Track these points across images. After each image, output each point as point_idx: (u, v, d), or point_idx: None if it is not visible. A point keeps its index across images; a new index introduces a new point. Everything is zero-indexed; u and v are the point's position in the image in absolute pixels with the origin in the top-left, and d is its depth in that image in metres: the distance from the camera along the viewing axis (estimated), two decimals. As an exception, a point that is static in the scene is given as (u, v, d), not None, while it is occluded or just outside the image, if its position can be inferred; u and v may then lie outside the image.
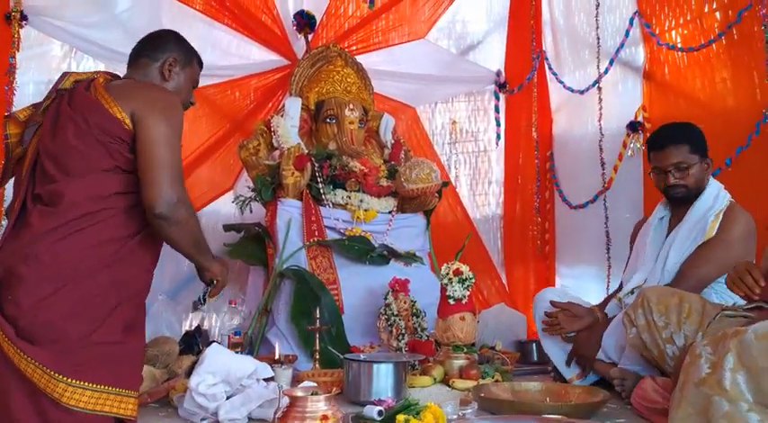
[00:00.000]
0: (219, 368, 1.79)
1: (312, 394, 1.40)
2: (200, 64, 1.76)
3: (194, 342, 2.58)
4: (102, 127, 1.48)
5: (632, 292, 2.17)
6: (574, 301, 2.34)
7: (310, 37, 3.57)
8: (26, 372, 1.35)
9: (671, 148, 2.18)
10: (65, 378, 1.35)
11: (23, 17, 3.03)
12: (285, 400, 1.49)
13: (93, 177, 1.47)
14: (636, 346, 1.94)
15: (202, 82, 3.43)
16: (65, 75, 1.62)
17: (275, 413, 1.56)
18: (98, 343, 1.42)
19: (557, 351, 2.31)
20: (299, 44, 3.58)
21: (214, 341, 2.59)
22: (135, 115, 1.49)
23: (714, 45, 2.76)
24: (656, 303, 1.87)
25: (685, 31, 2.96)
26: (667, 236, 2.24)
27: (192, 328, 2.92)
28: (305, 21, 3.52)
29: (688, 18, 2.95)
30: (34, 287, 1.38)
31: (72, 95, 1.55)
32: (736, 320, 1.69)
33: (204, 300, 1.75)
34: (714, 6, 2.82)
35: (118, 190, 1.49)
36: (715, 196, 2.18)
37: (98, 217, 1.45)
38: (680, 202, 2.24)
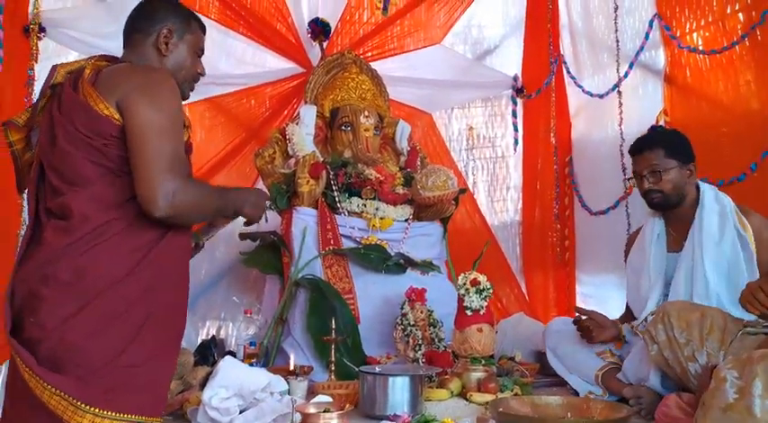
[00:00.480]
0: (233, 382, 1.77)
1: (324, 411, 1.37)
2: (203, 28, 1.59)
3: (210, 352, 2.57)
4: (92, 129, 1.35)
5: (646, 320, 2.11)
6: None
7: (325, 44, 3.56)
8: (49, 403, 1.24)
9: (646, 153, 2.20)
10: (91, 408, 1.25)
11: (41, 29, 3.07)
12: (298, 416, 1.47)
13: (98, 186, 1.35)
14: (658, 363, 1.88)
15: (217, 91, 3.52)
16: (54, 68, 1.47)
17: (289, 428, 1.54)
18: (126, 366, 1.30)
19: (572, 377, 2.30)
20: (313, 52, 3.57)
21: (230, 352, 2.58)
22: (120, 105, 1.34)
23: (737, 47, 2.70)
24: (676, 319, 1.81)
25: (707, 33, 2.90)
26: (671, 250, 2.20)
27: (208, 337, 2.91)
28: (320, 28, 3.52)
29: (710, 20, 2.89)
30: (56, 307, 1.29)
31: (61, 97, 1.42)
32: (759, 338, 1.64)
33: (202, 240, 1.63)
34: (737, 7, 2.75)
35: (129, 195, 1.35)
36: (715, 198, 2.15)
37: (113, 228, 1.34)
38: (658, 208, 2.22)
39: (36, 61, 3.03)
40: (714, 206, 2.14)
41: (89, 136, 1.34)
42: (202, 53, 1.58)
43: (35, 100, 1.51)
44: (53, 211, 1.38)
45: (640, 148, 2.23)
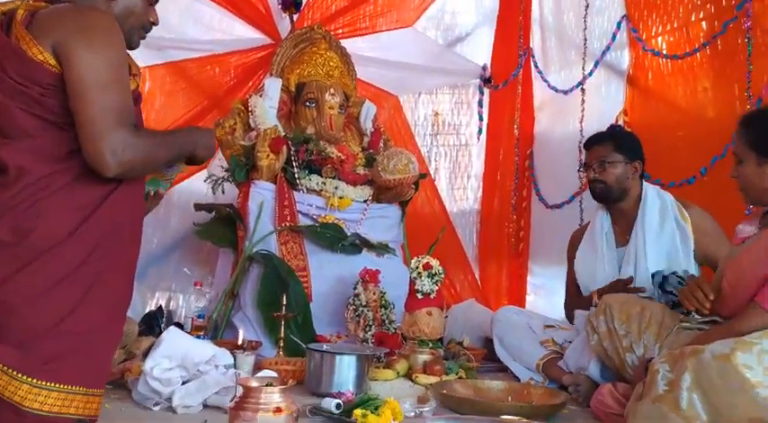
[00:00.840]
0: (176, 352, 1.74)
1: (267, 385, 1.36)
2: None
3: (156, 323, 2.53)
4: (26, 76, 1.23)
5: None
6: (533, 317, 2.47)
7: (295, 17, 3.49)
8: None
9: (596, 146, 2.37)
10: (29, 378, 1.16)
11: None
12: (241, 389, 1.46)
13: (37, 138, 1.24)
14: (598, 352, 1.95)
15: (181, 55, 3.42)
16: None
17: (231, 401, 1.52)
18: (69, 332, 1.21)
19: (515, 365, 2.37)
20: (283, 24, 3.50)
21: (177, 323, 2.54)
22: (57, 50, 1.23)
23: (698, 54, 2.77)
24: (618, 311, 1.88)
25: (671, 38, 2.96)
26: (618, 246, 2.31)
27: (156, 308, 2.86)
28: (291, 0, 3.45)
29: (675, 25, 2.95)
30: None
31: None
32: (693, 333, 1.71)
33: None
34: (701, 15, 2.82)
35: (69, 148, 1.24)
36: (658, 195, 2.29)
37: (56, 182, 1.23)
38: (600, 199, 2.35)
39: None
40: (656, 201, 2.27)
41: (23, 84, 1.23)
42: (156, 1, 1.48)
43: None
44: None
45: (593, 141, 2.42)
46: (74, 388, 1.21)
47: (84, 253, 1.25)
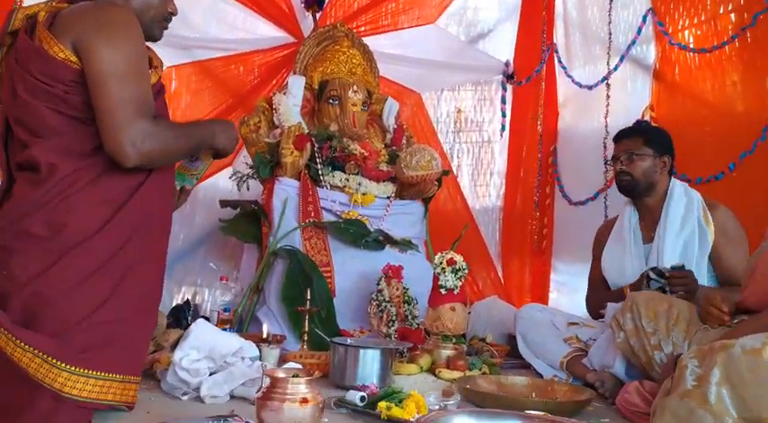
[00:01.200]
0: (204, 344, 1.77)
1: (293, 376, 1.38)
2: None
3: (183, 316, 2.58)
4: (50, 75, 1.27)
5: None
6: (556, 315, 2.43)
7: (318, 15, 3.52)
8: (21, 361, 1.18)
9: (625, 139, 2.36)
10: (67, 366, 1.20)
11: None
12: (268, 380, 1.48)
13: (64, 135, 1.28)
14: (624, 350, 1.93)
15: (206, 54, 3.47)
16: (11, 13, 1.38)
17: (257, 392, 1.55)
18: (102, 322, 1.25)
19: (538, 362, 2.35)
20: (306, 22, 3.53)
21: (203, 317, 2.58)
22: (77, 47, 1.26)
23: (727, 47, 2.73)
24: (645, 308, 1.86)
25: (698, 32, 2.92)
26: (645, 242, 2.29)
27: (182, 301, 2.91)
28: (313, -1, 3.48)
29: (702, 18, 2.91)
30: (29, 261, 1.23)
31: (17, 45, 1.34)
32: (722, 329, 1.69)
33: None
34: (729, 8, 2.77)
35: (96, 143, 1.28)
36: (684, 193, 2.26)
37: (84, 177, 1.28)
38: (626, 191, 2.33)
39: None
40: (681, 199, 2.24)
41: (48, 83, 1.27)
42: None
43: None
44: (22, 164, 1.32)
45: (622, 134, 2.41)
46: (110, 375, 1.25)
47: (115, 246, 1.28)
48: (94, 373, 1.23)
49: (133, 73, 1.28)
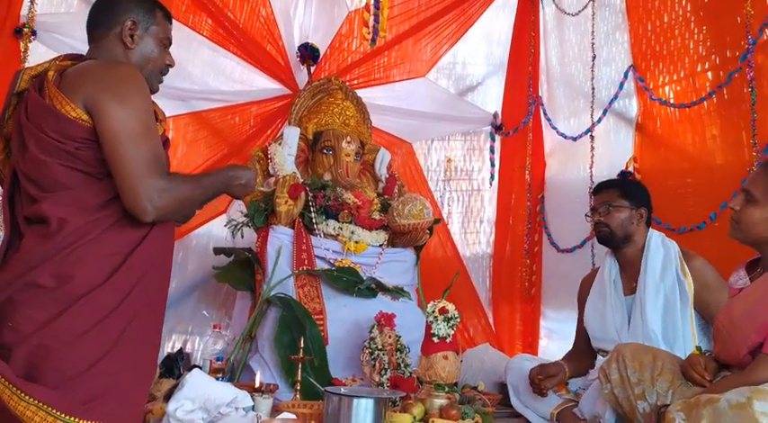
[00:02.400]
0: (199, 394, 1.78)
1: (290, 427, 1.40)
2: (169, 18, 1.53)
3: (175, 365, 2.56)
4: (62, 133, 1.31)
5: None
6: (543, 363, 2.46)
7: (313, 69, 3.64)
8: (24, 415, 1.18)
9: (603, 191, 2.45)
10: (71, 418, 1.20)
11: (32, 32, 3.08)
12: (263, 431, 1.49)
13: (74, 190, 1.31)
14: (609, 401, 1.95)
15: (204, 105, 3.56)
16: (18, 74, 1.42)
17: (252, 443, 1.56)
18: (105, 373, 1.26)
19: (529, 413, 2.39)
20: (301, 75, 3.65)
21: (196, 366, 2.57)
22: (88, 106, 1.30)
23: (705, 103, 2.85)
24: (630, 359, 1.89)
25: (678, 88, 3.05)
26: (626, 294, 2.33)
27: (175, 350, 2.90)
28: (309, 53, 3.60)
29: (681, 75, 3.05)
30: (34, 312, 1.25)
31: (27, 104, 1.37)
32: None
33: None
34: (707, 66, 2.91)
35: (106, 197, 1.32)
36: (662, 244, 2.31)
37: (92, 231, 1.30)
38: (604, 242, 2.40)
39: (26, 64, 3.03)
40: (659, 250, 2.29)
41: (60, 141, 1.31)
42: (170, 44, 1.54)
43: (2, 109, 1.47)
44: (31, 218, 1.34)
45: (600, 187, 2.51)
46: None
47: (119, 297, 1.31)
48: None
49: (144, 131, 1.33)
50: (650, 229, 2.38)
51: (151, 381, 1.47)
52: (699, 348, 1.89)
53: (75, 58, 1.45)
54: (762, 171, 1.71)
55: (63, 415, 1.20)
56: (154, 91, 1.51)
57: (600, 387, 2.02)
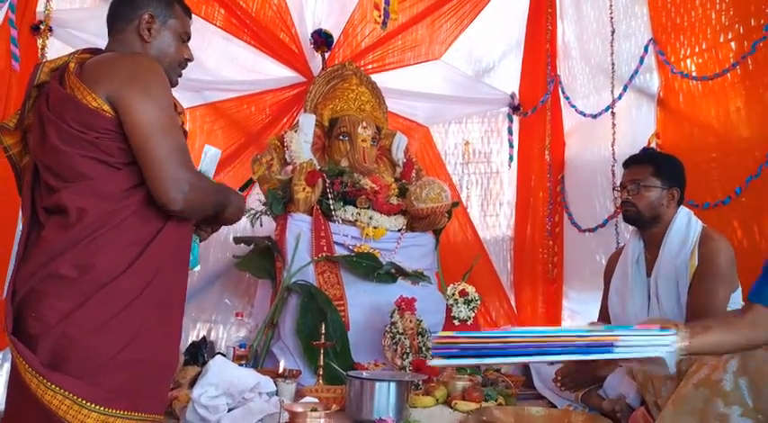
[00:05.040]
0: (222, 380, 1.80)
1: (312, 411, 1.40)
2: (187, 12, 1.54)
3: (200, 353, 2.60)
4: (83, 123, 1.32)
5: None
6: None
7: (327, 55, 3.62)
8: (51, 404, 1.19)
9: (634, 167, 2.27)
10: (98, 407, 1.22)
11: (49, 29, 3.11)
12: (286, 415, 1.50)
13: (94, 180, 1.32)
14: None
15: (219, 96, 3.57)
16: (37, 67, 1.44)
17: (275, 427, 1.57)
18: (129, 361, 1.27)
19: (553, 395, 2.35)
20: (315, 62, 3.63)
21: (219, 353, 2.61)
22: (111, 98, 1.31)
23: (729, 74, 2.76)
24: None
25: (700, 60, 2.97)
26: (648, 275, 2.22)
27: (198, 338, 2.94)
28: (322, 39, 3.58)
29: (703, 47, 2.96)
30: (58, 302, 1.26)
31: (49, 94, 1.38)
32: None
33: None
34: (729, 36, 2.83)
35: (125, 186, 1.33)
36: (686, 225, 2.17)
37: (112, 220, 1.31)
38: (630, 221, 2.27)
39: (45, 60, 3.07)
40: (681, 230, 2.16)
41: (81, 130, 1.32)
42: (188, 38, 1.54)
43: (22, 102, 1.49)
44: (50, 209, 1.35)
45: (632, 161, 2.31)
46: (138, 414, 1.27)
47: (140, 286, 1.32)
48: (122, 412, 1.25)
49: (171, 123, 1.34)
50: (681, 208, 2.24)
51: (174, 369, 1.46)
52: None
53: (95, 51, 1.46)
54: None
55: (88, 403, 1.21)
56: (173, 84, 1.52)
57: (624, 368, 1.99)
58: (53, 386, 1.20)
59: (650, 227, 2.24)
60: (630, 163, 2.31)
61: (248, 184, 3.11)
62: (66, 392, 1.20)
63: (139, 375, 1.29)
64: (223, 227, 1.65)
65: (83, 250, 1.29)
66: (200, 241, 1.61)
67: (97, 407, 1.22)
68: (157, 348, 1.33)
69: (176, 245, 1.39)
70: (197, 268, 1.63)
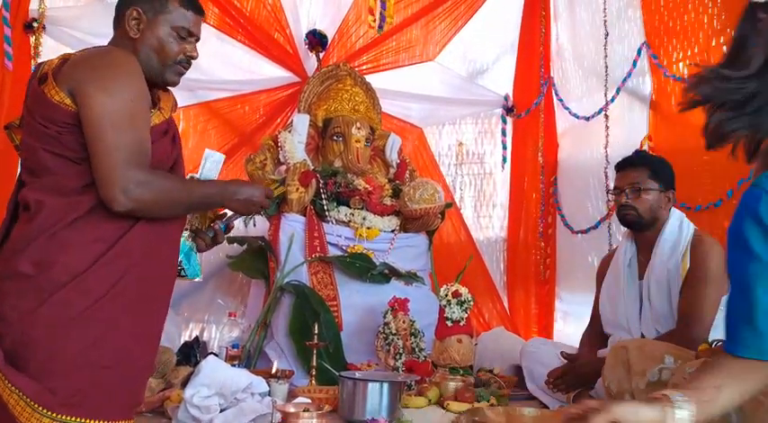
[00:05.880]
0: (215, 381, 1.79)
1: (304, 411, 1.40)
2: (191, 6, 1.44)
3: (192, 353, 2.59)
4: (46, 117, 1.28)
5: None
6: (561, 348, 2.37)
7: (321, 55, 3.62)
8: (8, 402, 1.15)
9: (630, 169, 2.23)
10: (49, 412, 1.15)
11: (43, 27, 3.10)
12: (278, 416, 1.50)
13: (54, 174, 1.28)
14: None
15: (213, 95, 3.57)
16: (39, 66, 1.39)
17: (268, 427, 1.57)
18: (92, 363, 1.20)
19: (545, 396, 2.34)
20: (309, 62, 3.63)
21: (212, 353, 2.60)
22: (73, 91, 1.26)
23: (721, 78, 2.78)
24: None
25: (692, 64, 2.99)
26: (640, 278, 2.21)
27: (191, 338, 2.93)
28: (317, 40, 3.59)
29: (695, 50, 2.98)
30: (18, 301, 1.21)
31: (28, 92, 1.36)
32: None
33: (225, 228, 1.55)
34: (721, 40, 2.84)
35: (84, 182, 1.27)
36: (678, 227, 2.16)
37: (69, 215, 1.25)
38: (629, 225, 2.23)
39: (37, 58, 3.06)
40: (673, 232, 2.16)
41: (44, 125, 1.28)
42: (190, 35, 1.44)
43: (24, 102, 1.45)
44: (21, 204, 1.32)
45: (626, 164, 2.27)
46: (96, 422, 1.20)
47: (106, 285, 1.25)
48: (78, 420, 1.18)
49: (128, 119, 1.27)
50: (672, 209, 2.23)
51: (147, 374, 1.39)
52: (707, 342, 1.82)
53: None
54: None
55: (42, 408, 1.16)
56: (172, 84, 1.46)
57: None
58: (10, 385, 1.16)
59: (646, 230, 2.22)
60: (625, 165, 2.28)
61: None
62: (21, 393, 1.15)
63: (103, 379, 1.22)
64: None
65: (43, 246, 1.24)
66: (199, 251, 1.55)
67: (50, 413, 1.16)
68: (126, 350, 1.26)
69: (150, 243, 1.31)
70: (198, 279, 1.58)
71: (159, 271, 1.36)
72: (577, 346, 2.53)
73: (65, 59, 1.35)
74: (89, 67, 1.29)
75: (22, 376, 1.17)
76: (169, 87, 1.49)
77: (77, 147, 1.28)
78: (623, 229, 2.41)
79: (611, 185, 3.30)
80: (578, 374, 2.20)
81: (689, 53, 3.02)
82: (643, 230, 2.23)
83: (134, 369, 1.29)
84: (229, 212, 1.57)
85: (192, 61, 1.49)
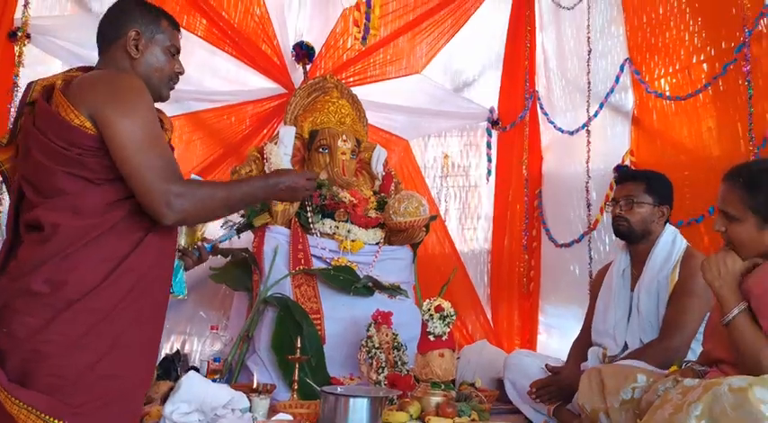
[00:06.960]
0: (195, 397, 1.79)
1: (283, 429, 1.40)
2: (175, 25, 1.54)
3: (173, 367, 2.57)
4: (66, 139, 1.33)
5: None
6: (545, 361, 2.43)
7: (308, 67, 3.63)
8: (18, 418, 1.20)
9: (628, 182, 2.34)
10: (61, 422, 1.21)
11: (26, 35, 3.08)
12: (257, 433, 1.49)
13: (74, 195, 1.33)
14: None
15: (199, 106, 3.56)
16: (30, 85, 1.45)
17: (247, 445, 1.56)
18: (102, 377, 1.27)
19: (527, 408, 2.37)
20: (296, 74, 3.64)
21: (193, 367, 2.59)
22: (94, 117, 1.33)
23: (701, 95, 2.83)
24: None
25: (674, 80, 3.03)
26: (632, 289, 2.29)
27: (172, 352, 2.91)
28: (304, 52, 3.60)
29: (677, 67, 3.03)
30: (28, 317, 1.26)
31: (35, 111, 1.40)
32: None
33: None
34: (702, 58, 2.89)
35: (106, 202, 1.34)
36: (671, 242, 2.24)
37: (87, 236, 1.31)
38: (621, 236, 2.32)
39: (20, 67, 3.04)
40: (666, 247, 2.24)
41: (64, 147, 1.33)
42: (178, 51, 1.55)
43: (14, 117, 1.51)
44: (29, 224, 1.36)
45: (624, 177, 2.39)
46: None
47: (114, 301, 1.31)
48: None
49: (152, 140, 1.35)
50: (667, 225, 2.31)
51: (147, 385, 1.46)
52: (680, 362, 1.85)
53: (86, 70, 1.48)
54: (728, 187, 1.64)
55: (51, 419, 1.21)
56: (164, 99, 1.53)
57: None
58: (18, 401, 1.20)
59: (639, 242, 2.30)
60: (624, 179, 2.38)
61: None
62: (31, 408, 1.20)
63: (110, 392, 1.28)
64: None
65: (56, 266, 1.29)
66: (186, 269, 1.61)
67: (60, 422, 1.21)
68: (132, 364, 1.33)
69: (156, 257, 1.38)
70: (183, 296, 1.62)
71: (160, 285, 1.42)
72: (560, 358, 2.56)
73: (69, 79, 1.41)
74: (106, 93, 1.35)
75: (28, 391, 1.22)
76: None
77: (99, 169, 1.34)
78: (607, 242, 2.46)
79: (592, 200, 3.37)
80: (561, 387, 2.25)
81: (670, 70, 3.07)
82: (636, 242, 2.31)
83: (137, 381, 1.35)
84: (220, 233, 1.61)
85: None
